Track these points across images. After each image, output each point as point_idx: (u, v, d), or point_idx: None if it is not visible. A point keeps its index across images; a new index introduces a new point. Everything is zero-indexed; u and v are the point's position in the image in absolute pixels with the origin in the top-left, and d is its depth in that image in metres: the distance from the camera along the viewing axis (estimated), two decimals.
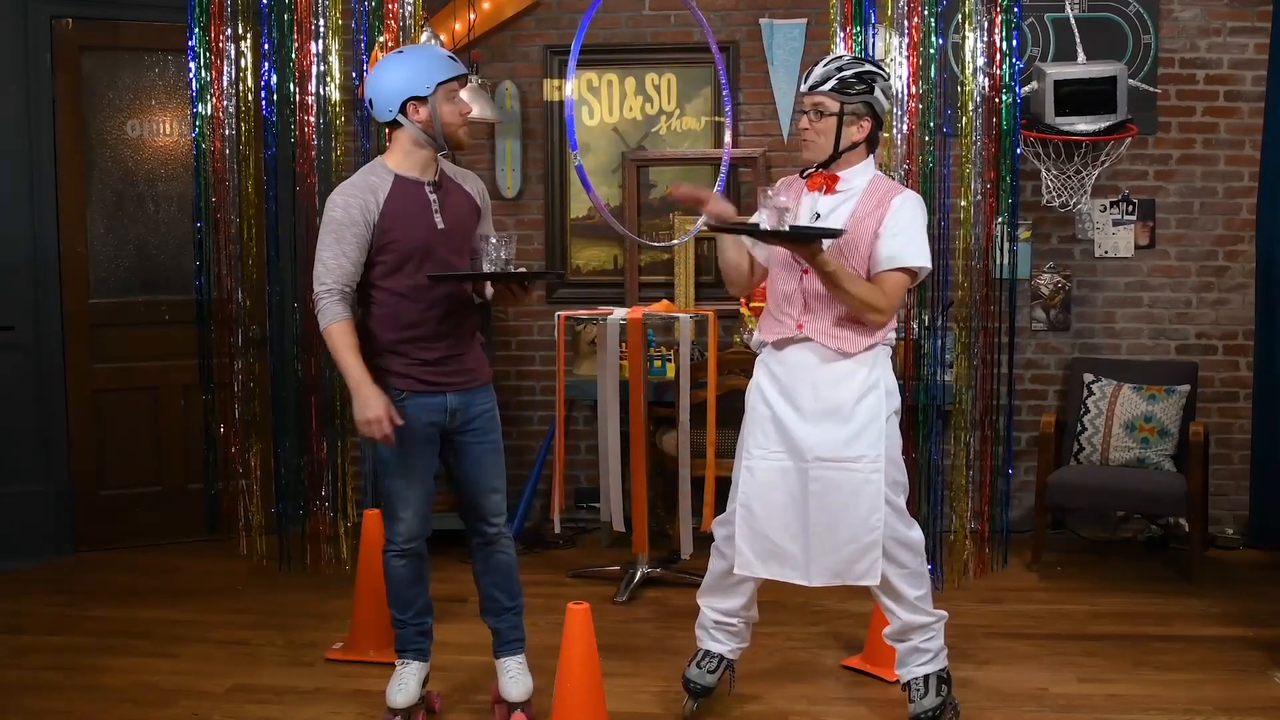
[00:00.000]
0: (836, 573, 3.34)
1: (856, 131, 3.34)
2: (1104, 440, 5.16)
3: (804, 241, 3.17)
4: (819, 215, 3.35)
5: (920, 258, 3.31)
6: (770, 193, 3.18)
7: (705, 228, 3.40)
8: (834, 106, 3.30)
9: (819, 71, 3.33)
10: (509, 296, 3.44)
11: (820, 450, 3.31)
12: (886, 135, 4.67)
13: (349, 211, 3.28)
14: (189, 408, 5.44)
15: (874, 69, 3.35)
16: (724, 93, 3.77)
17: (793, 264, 3.35)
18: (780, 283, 3.42)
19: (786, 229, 3.13)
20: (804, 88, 3.36)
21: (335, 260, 3.29)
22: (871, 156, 3.42)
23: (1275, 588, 4.85)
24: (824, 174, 3.38)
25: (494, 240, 3.31)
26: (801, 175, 3.45)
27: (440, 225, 3.34)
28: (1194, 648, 4.18)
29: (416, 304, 3.35)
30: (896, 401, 3.38)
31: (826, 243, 3.26)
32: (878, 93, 3.33)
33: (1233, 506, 5.52)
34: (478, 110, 5.12)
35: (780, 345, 3.39)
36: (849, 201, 3.34)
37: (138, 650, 4.23)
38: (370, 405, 3.25)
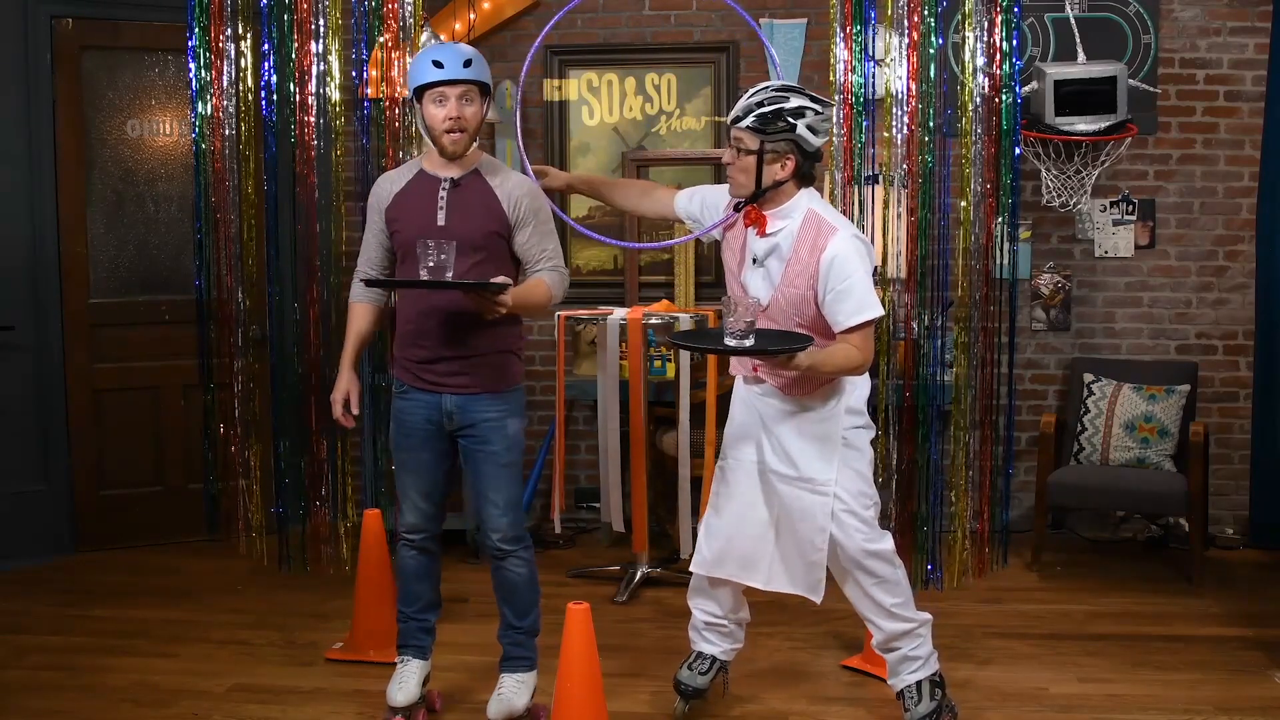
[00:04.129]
0: (788, 580, 3.40)
1: (779, 170, 3.22)
2: (1104, 440, 5.16)
3: (770, 354, 3.09)
4: (756, 259, 3.30)
5: (873, 309, 3.20)
6: (733, 306, 3.04)
7: (666, 345, 3.37)
8: (753, 144, 3.19)
9: (740, 104, 3.22)
10: (479, 306, 3.24)
11: (777, 466, 3.36)
12: (886, 135, 4.68)
13: (371, 199, 3.50)
14: (189, 408, 5.43)
15: (803, 103, 3.18)
16: (776, 68, 3.74)
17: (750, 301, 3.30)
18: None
19: (750, 343, 3.05)
20: (729, 118, 3.25)
21: (364, 244, 3.52)
22: (805, 191, 3.29)
23: (1275, 588, 4.85)
24: (755, 211, 3.29)
25: (430, 246, 3.20)
26: (735, 209, 3.36)
27: (441, 222, 3.33)
28: (1194, 648, 4.18)
29: (410, 297, 3.41)
30: (860, 418, 3.36)
31: (766, 289, 3.25)
32: (802, 129, 3.17)
33: (1233, 506, 5.52)
34: None
35: (746, 381, 3.44)
36: (781, 247, 3.26)
37: (138, 650, 4.23)
38: (337, 386, 3.54)
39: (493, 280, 3.17)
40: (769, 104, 3.18)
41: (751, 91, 3.24)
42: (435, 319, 3.36)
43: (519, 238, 3.38)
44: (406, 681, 3.55)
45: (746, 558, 3.42)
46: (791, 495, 3.34)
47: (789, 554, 3.39)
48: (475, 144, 3.41)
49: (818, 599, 3.37)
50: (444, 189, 3.36)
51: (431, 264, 3.18)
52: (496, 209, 3.35)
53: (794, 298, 3.24)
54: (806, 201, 3.27)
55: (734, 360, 3.49)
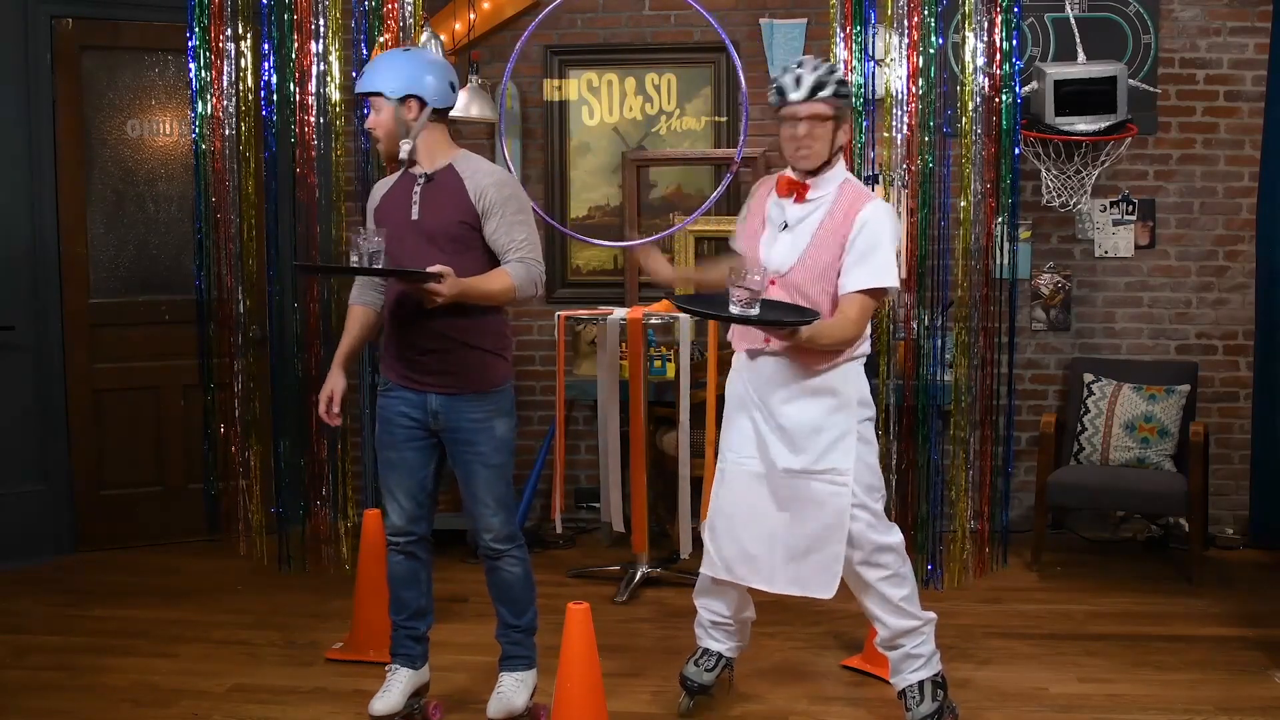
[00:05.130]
0: (798, 581, 3.37)
1: (843, 135, 3.34)
2: (1104, 440, 5.16)
3: (775, 325, 3.12)
4: (787, 224, 3.33)
5: (888, 278, 3.25)
6: (743, 273, 3.07)
7: (676, 306, 3.45)
8: (830, 112, 3.27)
9: (810, 79, 3.26)
10: (416, 294, 3.25)
11: (788, 462, 3.34)
12: (886, 135, 4.69)
13: (367, 204, 3.56)
14: (189, 407, 5.43)
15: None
16: (742, 90, 3.75)
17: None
18: None
19: (755, 313, 3.07)
20: (797, 96, 3.27)
21: None
22: (841, 160, 3.39)
23: (1275, 588, 4.85)
24: (794, 180, 3.34)
25: (361, 234, 3.24)
26: (790, 184, 3.38)
27: (414, 216, 3.37)
28: (1194, 648, 4.18)
29: (389, 295, 3.44)
30: (870, 410, 3.38)
31: (790, 255, 3.27)
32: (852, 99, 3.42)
33: (1233, 506, 5.52)
34: (477, 110, 5.14)
35: (752, 355, 3.42)
36: (818, 211, 3.30)
37: (138, 650, 4.23)
38: (324, 385, 3.54)
39: (428, 269, 3.17)
40: (836, 74, 3.31)
41: (809, 66, 3.29)
42: (406, 315, 3.37)
43: (487, 228, 3.35)
44: (389, 691, 3.53)
45: (754, 561, 3.41)
46: (806, 489, 3.31)
47: (800, 553, 3.35)
48: (409, 144, 3.34)
49: (828, 595, 3.33)
50: (419, 185, 3.40)
51: (367, 250, 3.20)
52: (464, 200, 3.35)
53: (821, 262, 3.26)
54: (843, 171, 3.37)
55: (738, 333, 3.46)
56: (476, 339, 3.38)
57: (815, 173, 3.33)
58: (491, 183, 3.35)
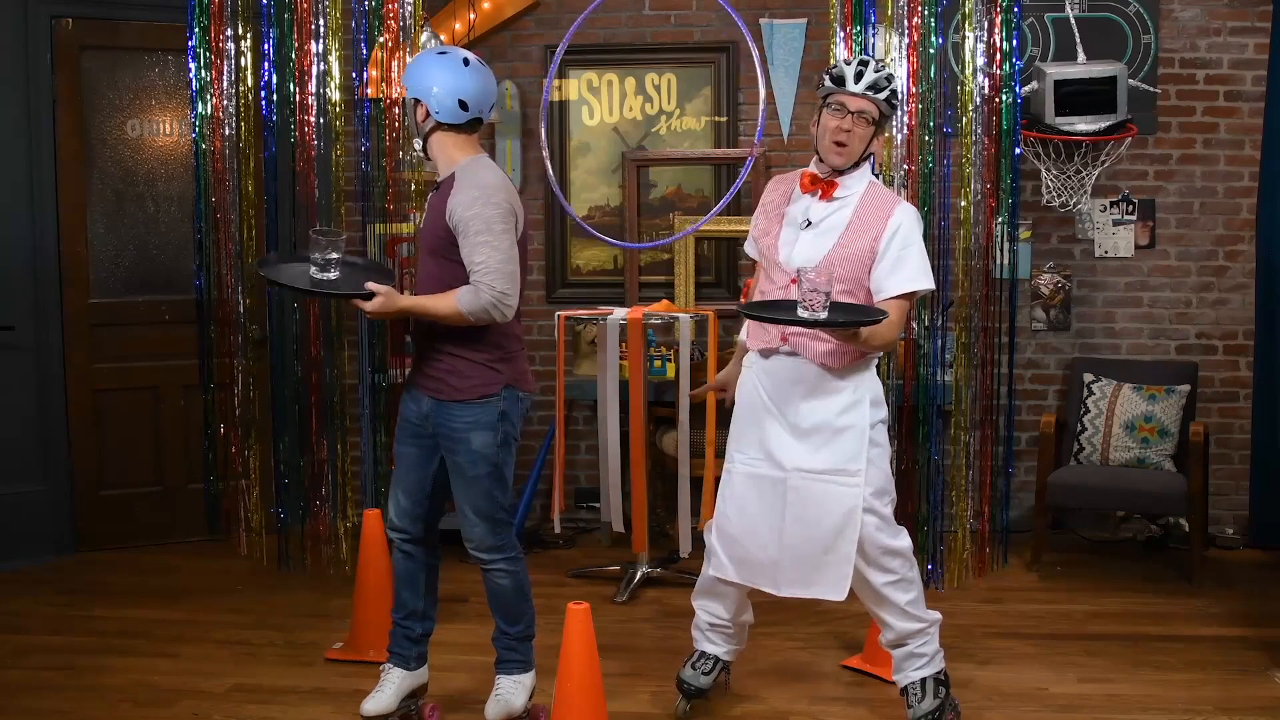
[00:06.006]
0: (804, 583, 3.34)
1: (877, 143, 3.34)
2: (1104, 440, 5.16)
3: (842, 326, 3.09)
4: (810, 222, 3.33)
5: (925, 280, 3.28)
6: (811, 276, 3.03)
7: (743, 313, 3.44)
8: (877, 114, 3.28)
9: (873, 76, 3.25)
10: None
11: (800, 462, 3.32)
12: (886, 135, 4.68)
13: None
14: (189, 407, 5.43)
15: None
16: (761, 85, 3.75)
17: (781, 271, 3.35)
18: (766, 287, 3.42)
19: (824, 316, 3.03)
20: (855, 86, 3.25)
21: None
22: (869, 163, 3.38)
23: (1275, 588, 4.85)
24: (822, 179, 3.34)
25: (319, 236, 3.18)
26: (816, 174, 3.38)
27: (420, 224, 3.39)
28: (1193, 648, 4.18)
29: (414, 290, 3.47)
30: (883, 411, 3.38)
31: (814, 251, 3.27)
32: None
33: (1233, 506, 5.52)
34: None
35: (766, 354, 3.40)
36: (844, 210, 3.30)
37: (138, 650, 4.23)
38: None
39: (366, 286, 3.17)
40: (893, 81, 3.29)
41: (872, 65, 3.28)
42: (415, 321, 3.38)
43: (459, 247, 3.25)
44: (382, 691, 3.52)
45: (761, 565, 3.39)
46: (817, 490, 3.29)
47: (810, 556, 3.32)
48: (418, 143, 3.38)
49: (839, 597, 3.31)
50: (432, 192, 3.40)
51: (324, 259, 3.19)
52: (441, 215, 3.28)
53: (846, 261, 3.25)
54: (869, 173, 3.38)
55: (752, 332, 3.43)
56: (458, 346, 3.32)
57: (843, 171, 3.32)
58: (460, 200, 3.23)
